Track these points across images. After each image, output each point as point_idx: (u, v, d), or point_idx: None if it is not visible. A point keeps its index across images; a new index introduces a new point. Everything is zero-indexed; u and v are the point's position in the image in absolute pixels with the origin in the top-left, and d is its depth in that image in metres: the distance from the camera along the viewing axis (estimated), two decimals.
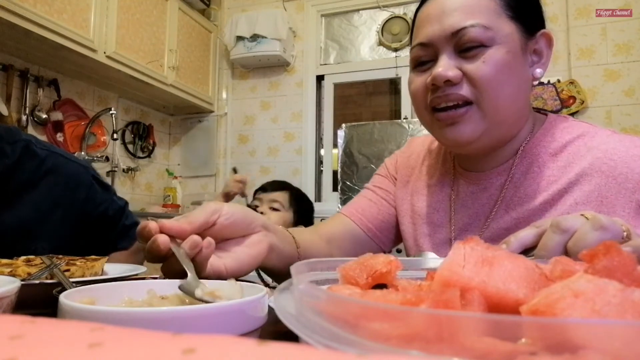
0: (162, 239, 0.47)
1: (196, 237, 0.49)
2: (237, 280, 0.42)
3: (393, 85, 3.21)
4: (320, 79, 3.31)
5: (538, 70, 0.68)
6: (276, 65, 3.30)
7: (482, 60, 0.63)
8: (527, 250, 0.44)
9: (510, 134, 0.70)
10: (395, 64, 3.06)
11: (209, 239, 0.50)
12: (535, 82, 0.80)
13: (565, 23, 2.70)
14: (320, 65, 3.30)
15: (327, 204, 3.03)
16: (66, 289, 0.39)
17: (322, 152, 3.29)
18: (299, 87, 3.28)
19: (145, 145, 3.25)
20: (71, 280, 0.47)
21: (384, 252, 0.53)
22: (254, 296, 0.34)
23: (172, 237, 0.48)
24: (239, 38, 3.13)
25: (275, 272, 0.66)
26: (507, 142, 0.71)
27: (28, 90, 2.38)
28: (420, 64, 0.70)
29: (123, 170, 3.01)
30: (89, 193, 1.02)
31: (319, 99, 3.31)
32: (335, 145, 3.12)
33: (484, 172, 0.74)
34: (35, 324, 0.17)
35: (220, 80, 3.46)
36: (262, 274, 1.25)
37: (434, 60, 0.67)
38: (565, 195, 0.65)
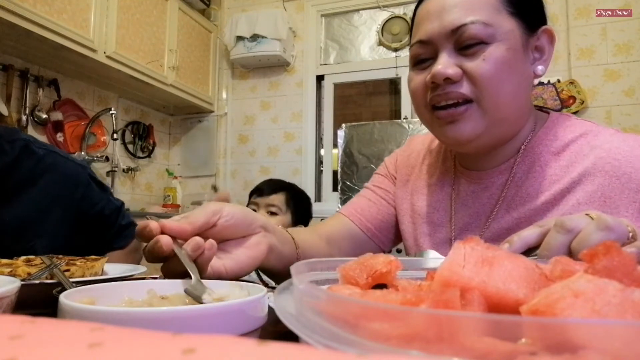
0: (165, 240, 0.47)
1: (199, 239, 0.49)
2: (236, 280, 0.42)
3: (393, 85, 3.21)
4: (320, 79, 3.31)
5: (539, 68, 0.67)
6: (276, 65, 3.30)
7: (482, 57, 0.62)
8: (531, 250, 0.43)
9: (511, 132, 0.69)
10: (395, 64, 3.06)
11: (211, 241, 0.50)
12: (537, 80, 0.80)
13: (565, 23, 2.70)
14: (320, 65, 3.30)
15: (327, 204, 3.03)
16: (66, 289, 0.39)
17: (322, 152, 3.29)
18: (299, 87, 3.28)
19: (145, 145, 3.25)
20: (71, 280, 0.47)
21: (384, 252, 0.53)
22: (254, 296, 0.34)
23: (174, 238, 0.48)
24: (239, 38, 3.13)
25: (275, 273, 0.65)
26: (508, 140, 0.70)
27: (28, 90, 2.38)
28: (419, 62, 0.69)
29: (123, 170, 3.01)
30: (86, 192, 1.03)
31: (319, 99, 3.31)
32: (335, 145, 3.12)
33: (485, 171, 0.73)
34: (35, 324, 0.17)
35: (220, 80, 3.46)
36: (262, 274, 1.25)
37: (433, 57, 0.66)
38: (567, 195, 0.64)
